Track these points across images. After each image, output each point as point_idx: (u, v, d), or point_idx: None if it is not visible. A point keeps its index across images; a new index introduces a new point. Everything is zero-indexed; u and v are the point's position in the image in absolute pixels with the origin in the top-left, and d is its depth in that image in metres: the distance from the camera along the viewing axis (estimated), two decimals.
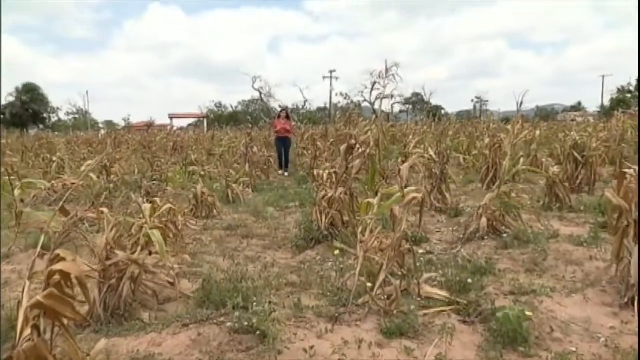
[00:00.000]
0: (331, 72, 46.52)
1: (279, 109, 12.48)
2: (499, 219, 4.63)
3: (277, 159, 11.11)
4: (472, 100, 50.88)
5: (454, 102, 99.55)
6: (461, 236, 4.61)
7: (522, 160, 5.99)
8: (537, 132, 10.42)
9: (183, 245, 4.23)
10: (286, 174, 10.54)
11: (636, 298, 2.87)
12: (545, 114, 43.10)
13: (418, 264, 3.40)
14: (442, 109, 48.70)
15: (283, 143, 10.94)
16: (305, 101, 45.59)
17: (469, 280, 3.30)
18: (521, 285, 3.30)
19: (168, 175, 8.26)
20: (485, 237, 4.45)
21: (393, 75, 4.19)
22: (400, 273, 3.17)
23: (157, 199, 3.99)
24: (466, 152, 10.77)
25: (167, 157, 11.74)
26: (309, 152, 11.21)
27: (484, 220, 4.51)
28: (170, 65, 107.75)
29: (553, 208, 5.77)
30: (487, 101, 49.89)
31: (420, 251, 4.10)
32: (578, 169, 7.08)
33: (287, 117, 11.25)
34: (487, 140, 8.51)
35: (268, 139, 14.15)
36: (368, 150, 4.54)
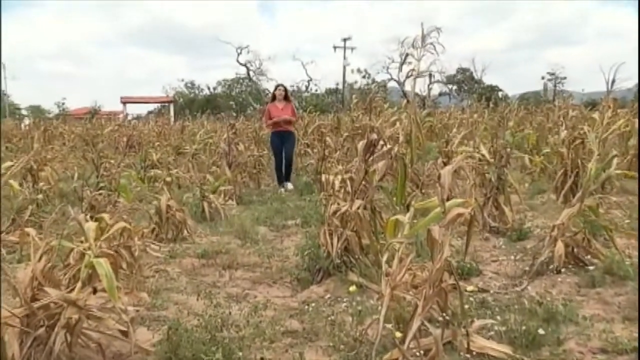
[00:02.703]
0: (345, 40, 46.70)
1: (274, 89, 10.78)
2: (582, 245, 4.60)
3: (274, 167, 10.25)
4: (543, 78, 50.55)
5: (516, 81, 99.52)
6: (527, 268, 4.58)
7: (614, 161, 5.96)
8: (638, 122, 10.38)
9: (141, 279, 4.23)
10: (289, 187, 9.79)
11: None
12: None
13: (467, 307, 3.38)
14: (499, 90, 48.70)
15: (282, 141, 9.95)
16: (310, 81, 45.86)
17: (540, 331, 3.28)
18: (617, 340, 3.27)
19: (120, 182, 8.27)
20: (563, 270, 4.43)
21: (432, 44, 4.19)
22: (441, 319, 3.16)
23: (105, 216, 3.99)
24: (533, 151, 10.72)
25: (118, 156, 11.81)
26: (315, 150, 11.26)
27: (560, 245, 4.49)
28: (124, 31, 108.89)
29: None
30: (564, 79, 49.63)
31: (470, 288, 4.09)
32: None
33: (287, 99, 10.17)
34: (563, 134, 8.47)
35: (258, 133, 14.20)
36: (396, 149, 4.54)
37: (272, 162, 10.60)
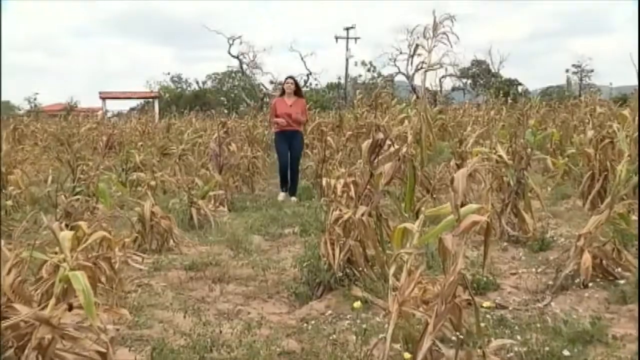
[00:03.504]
0: (348, 29, 46.74)
1: (282, 82, 10.30)
2: (612, 256, 4.59)
3: (279, 171, 9.81)
4: (567, 71, 50.62)
5: (537, 74, 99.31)
6: (551, 282, 4.58)
7: None
8: None
9: (122, 294, 4.24)
10: (293, 198, 9.39)
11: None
12: None
13: (483, 325, 3.38)
14: (519, 84, 48.67)
15: (290, 142, 9.52)
16: (309, 74, 45.86)
17: (565, 353, 3.28)
18: None
19: (99, 186, 8.28)
20: (590, 284, 4.42)
21: (444, 34, 4.18)
22: (455, 338, 3.15)
23: (82, 224, 4.00)
24: (557, 151, 10.74)
25: (97, 158, 11.84)
26: (315, 151, 11.26)
27: (587, 257, 4.48)
28: (102, 19, 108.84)
29: None
30: (590, 72, 49.69)
31: (486, 304, 4.07)
32: None
33: (297, 93, 9.74)
34: (590, 133, 8.47)
35: (252, 132, 14.21)
36: (404, 149, 4.54)
37: (276, 166, 10.25)
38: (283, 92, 9.74)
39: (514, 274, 4.99)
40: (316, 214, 6.97)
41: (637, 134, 5.20)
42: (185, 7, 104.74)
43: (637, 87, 5.35)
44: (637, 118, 5.50)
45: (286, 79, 10.07)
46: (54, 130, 18.77)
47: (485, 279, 4.54)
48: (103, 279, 3.82)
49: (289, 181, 9.56)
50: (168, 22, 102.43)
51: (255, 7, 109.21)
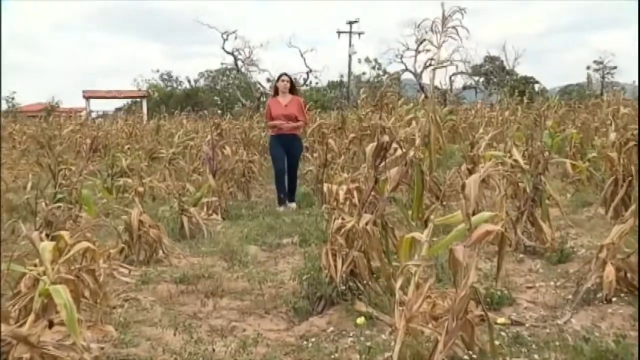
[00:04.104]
0: (351, 23, 46.92)
1: (276, 79, 10.07)
2: (637, 269, 4.58)
3: (275, 179, 9.52)
4: (588, 68, 50.79)
5: (555, 71, 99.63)
6: (571, 296, 4.57)
7: None
8: None
9: (107, 309, 4.23)
10: (292, 204, 9.31)
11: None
12: None
13: (497, 343, 3.37)
14: (535, 82, 48.81)
15: (287, 147, 9.33)
16: (309, 72, 46.01)
17: None
18: None
19: (82, 193, 8.27)
20: (614, 299, 4.41)
21: (454, 28, 4.19)
22: (467, 357, 3.15)
23: (65, 234, 3.99)
24: (577, 155, 10.73)
25: (80, 162, 11.80)
26: (315, 154, 11.26)
27: (610, 269, 4.47)
28: (87, 13, 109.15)
29: None
30: (613, 69, 49.82)
31: (501, 320, 4.08)
32: None
33: (292, 92, 9.58)
34: (613, 135, 8.48)
35: (248, 134, 14.21)
36: (412, 153, 4.54)
37: (271, 174, 10.02)
38: (277, 92, 9.58)
39: (531, 287, 4.98)
40: (317, 223, 7.00)
41: None
42: None
43: None
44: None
45: (280, 76, 9.80)
46: (33, 132, 18.80)
47: (499, 293, 4.52)
48: (87, 293, 3.80)
49: (286, 188, 9.35)
50: (157, 16, 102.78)
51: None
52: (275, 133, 9.39)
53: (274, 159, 9.53)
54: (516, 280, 5.14)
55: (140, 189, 8.65)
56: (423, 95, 23.07)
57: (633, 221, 4.65)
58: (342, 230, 4.63)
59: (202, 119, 20.90)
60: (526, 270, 5.48)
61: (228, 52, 45.07)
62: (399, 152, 4.67)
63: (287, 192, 9.36)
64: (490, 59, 51.07)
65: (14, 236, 5.44)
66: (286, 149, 9.35)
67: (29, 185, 9.67)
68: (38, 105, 41.81)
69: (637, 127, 7.76)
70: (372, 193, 4.66)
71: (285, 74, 9.80)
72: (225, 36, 44.09)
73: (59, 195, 6.77)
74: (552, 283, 4.98)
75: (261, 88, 44.20)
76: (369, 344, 3.67)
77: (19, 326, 3.03)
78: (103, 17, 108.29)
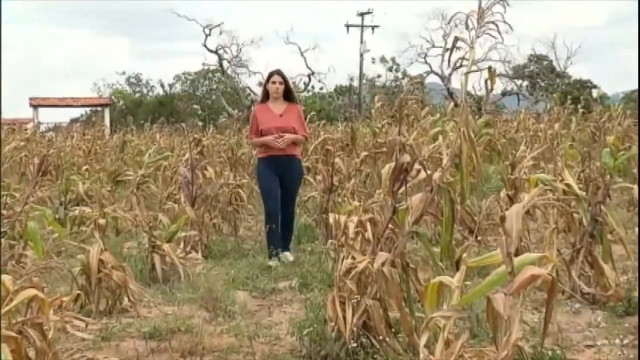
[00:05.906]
0: (363, 15, 47.37)
1: (266, 79, 8.84)
2: None
3: (265, 218, 8.45)
4: None
5: (618, 73, 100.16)
6: None
7: None
8: None
9: None
10: (289, 258, 8.13)
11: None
12: None
13: None
14: (593, 86, 49.07)
15: (281, 173, 8.34)
16: (311, 75, 46.44)
17: None
18: None
19: (28, 226, 8.22)
20: None
21: (492, 22, 4.16)
22: None
23: (6, 278, 3.91)
24: None
25: (26, 187, 11.79)
26: (319, 177, 11.19)
27: None
28: (37, 1, 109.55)
29: None
30: None
31: None
32: None
33: (288, 97, 8.57)
34: None
35: (235, 152, 14.19)
36: (438, 176, 4.49)
37: (260, 209, 9.44)
38: (267, 96, 8.54)
39: (591, 346, 4.94)
40: (321, 263, 7.05)
41: None
42: None
43: None
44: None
45: (270, 75, 8.70)
46: None
47: (550, 353, 4.48)
48: (31, 353, 3.75)
49: (280, 230, 8.36)
50: (124, 5, 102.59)
51: None
52: (265, 154, 8.44)
53: (264, 192, 8.63)
54: (572, 336, 5.11)
55: (101, 221, 8.55)
56: (452, 104, 23.07)
57: None
58: (353, 272, 4.62)
59: (178, 133, 21.01)
60: (584, 324, 5.44)
61: (211, 50, 45.71)
62: (423, 174, 4.63)
63: (280, 237, 8.41)
64: (537, 58, 51.49)
65: None
66: (280, 177, 8.38)
67: None
68: None
69: None
70: (390, 226, 4.64)
71: (279, 72, 8.69)
72: (207, 30, 44.77)
73: (0, 229, 6.72)
74: (617, 341, 4.95)
75: (252, 94, 44.62)
76: None
77: None
78: (57, 6, 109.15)
